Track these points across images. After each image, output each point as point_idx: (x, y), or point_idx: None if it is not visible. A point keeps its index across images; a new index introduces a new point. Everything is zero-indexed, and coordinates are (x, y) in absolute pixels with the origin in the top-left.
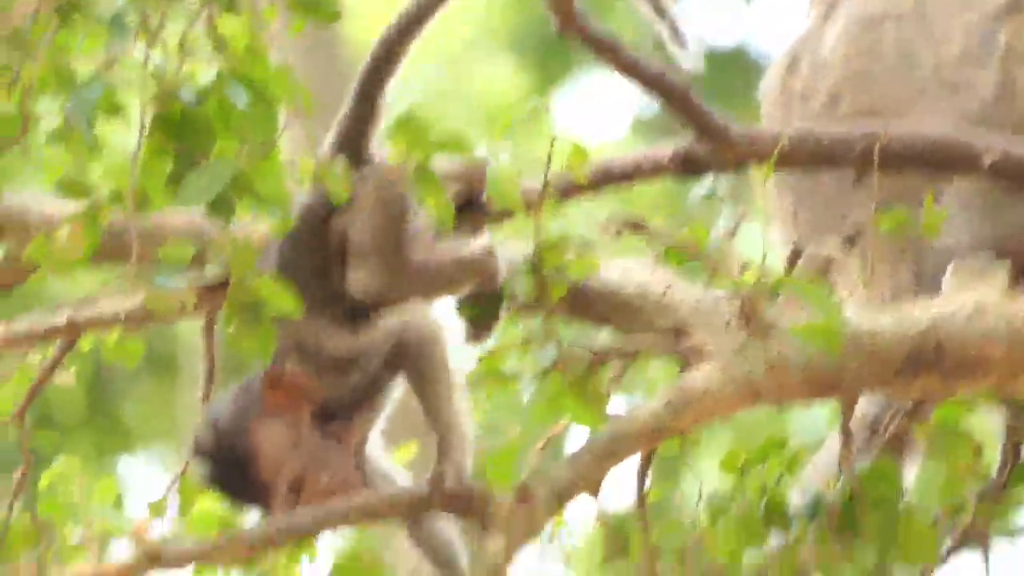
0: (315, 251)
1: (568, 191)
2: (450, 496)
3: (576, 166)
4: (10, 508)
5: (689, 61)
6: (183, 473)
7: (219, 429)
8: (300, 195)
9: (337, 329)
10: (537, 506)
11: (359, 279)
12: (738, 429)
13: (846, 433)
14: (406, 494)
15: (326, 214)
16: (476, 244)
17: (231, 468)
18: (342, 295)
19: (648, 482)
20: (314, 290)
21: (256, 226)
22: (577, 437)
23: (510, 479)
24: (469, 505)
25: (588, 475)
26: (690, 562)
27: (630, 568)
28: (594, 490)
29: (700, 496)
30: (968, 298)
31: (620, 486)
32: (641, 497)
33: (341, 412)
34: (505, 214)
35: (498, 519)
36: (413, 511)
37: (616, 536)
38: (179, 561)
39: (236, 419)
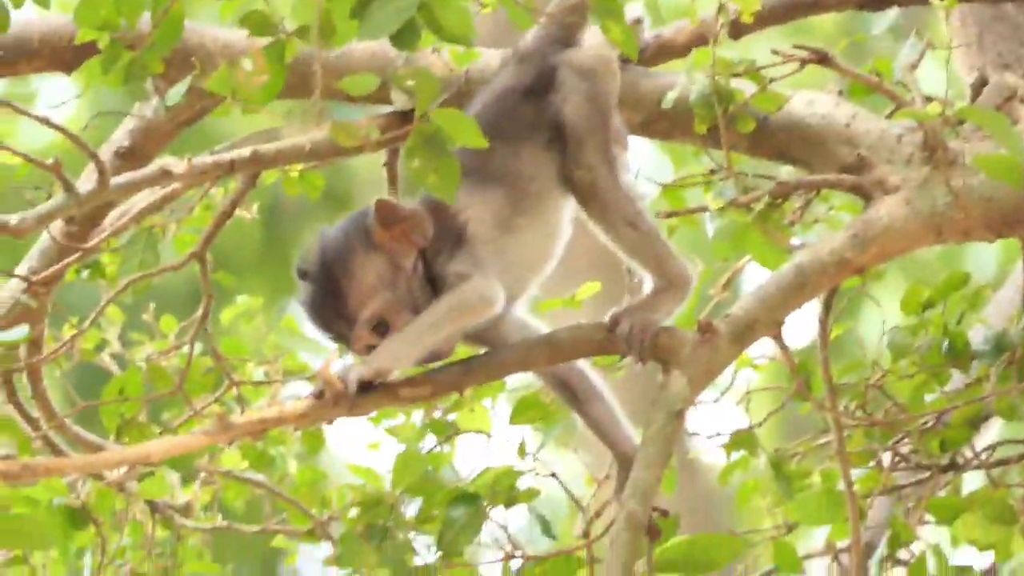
0: (511, 125)
1: (751, 25)
2: (632, 335)
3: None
4: (191, 346)
5: None
6: None
7: (324, 254)
8: (499, 77)
9: (490, 204)
10: (720, 344)
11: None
12: (918, 268)
13: None
14: (591, 332)
15: (523, 96)
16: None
17: (326, 294)
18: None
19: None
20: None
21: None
22: (755, 277)
23: (692, 317)
24: (654, 344)
25: (772, 312)
26: (871, 400)
27: (811, 407)
28: (776, 329)
29: (882, 334)
30: None
31: (799, 327)
32: (824, 334)
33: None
34: (688, 47)
35: (681, 358)
36: (599, 351)
37: (796, 376)
38: (366, 405)
39: (342, 247)
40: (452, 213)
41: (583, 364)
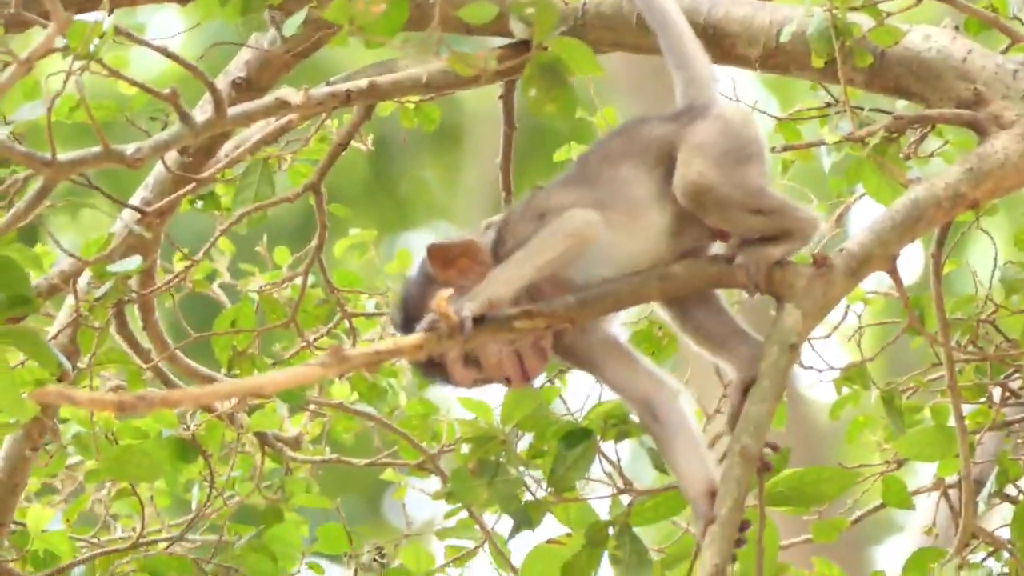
0: (623, 143)
1: None
2: (748, 268)
3: None
4: (304, 277)
5: None
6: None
7: (405, 303)
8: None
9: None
10: (834, 278)
11: (696, 169)
12: None
13: None
14: (705, 266)
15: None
16: (808, 209)
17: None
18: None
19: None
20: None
21: None
22: (868, 211)
23: (807, 255)
24: (768, 278)
25: (887, 246)
26: (983, 336)
27: (924, 341)
28: (890, 264)
29: (994, 269)
30: None
31: (909, 264)
32: (937, 269)
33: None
34: None
35: (795, 292)
36: (714, 283)
37: (910, 310)
38: (480, 337)
39: (415, 292)
40: (536, 208)
41: (678, 398)
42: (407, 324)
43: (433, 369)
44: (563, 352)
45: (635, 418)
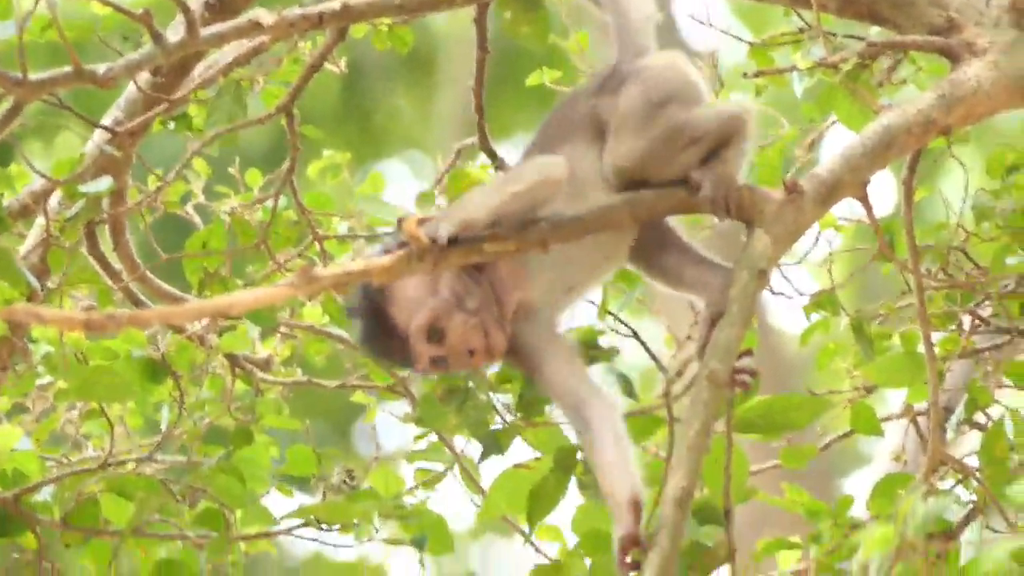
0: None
1: None
2: (715, 192)
3: None
4: (275, 199)
5: None
6: (449, 169)
7: (366, 287)
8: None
9: None
10: (804, 203)
11: (621, 151)
12: (1001, 134)
13: None
14: (672, 191)
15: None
16: (731, 105)
17: (376, 324)
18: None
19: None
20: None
21: None
22: (840, 139)
23: (778, 176)
24: (738, 203)
25: (857, 172)
26: (953, 263)
27: (894, 268)
28: (860, 191)
29: (964, 197)
30: None
31: (880, 192)
32: (908, 195)
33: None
34: None
35: (765, 217)
36: (682, 208)
37: (880, 236)
38: (451, 259)
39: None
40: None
41: (614, 410)
42: (369, 308)
43: (391, 349)
44: (511, 351)
45: (603, 343)
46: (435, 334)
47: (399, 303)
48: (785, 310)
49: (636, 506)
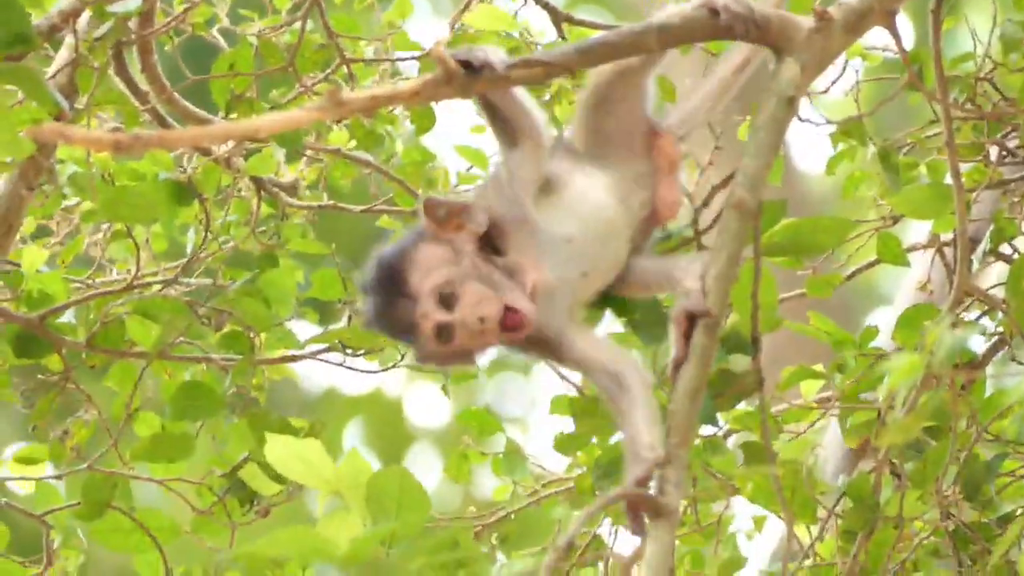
0: None
1: None
2: (743, 17)
3: None
4: (303, 21)
5: None
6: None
7: (381, 259)
8: None
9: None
10: (833, 31)
11: None
12: None
13: None
14: (707, 20)
15: None
16: None
17: (388, 291)
18: None
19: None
20: None
21: None
22: None
23: (809, 4)
24: (766, 30)
25: (886, 0)
26: (981, 94)
27: (921, 98)
28: (889, 20)
29: (993, 27)
30: None
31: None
32: (936, 25)
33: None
34: None
35: (794, 45)
36: (712, 34)
37: (909, 66)
38: (478, 85)
39: (399, 247)
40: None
41: (642, 371)
42: (386, 277)
43: (398, 316)
44: (531, 341)
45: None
46: (447, 298)
47: (417, 264)
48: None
49: (654, 450)
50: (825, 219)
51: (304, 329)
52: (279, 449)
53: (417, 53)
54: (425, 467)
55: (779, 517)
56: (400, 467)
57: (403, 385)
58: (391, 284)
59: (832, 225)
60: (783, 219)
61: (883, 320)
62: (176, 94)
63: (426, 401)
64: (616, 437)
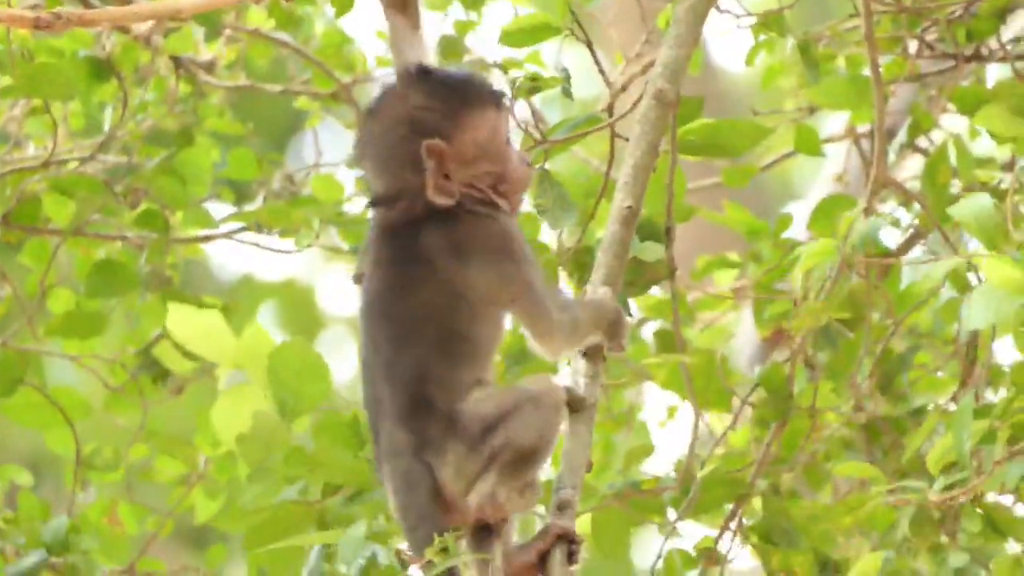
0: None
1: None
2: None
3: None
4: None
5: None
6: None
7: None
8: None
9: None
10: None
11: None
12: None
13: None
14: None
15: None
16: None
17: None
18: None
19: None
20: None
21: None
22: None
23: None
24: None
25: None
26: None
27: None
28: None
29: None
30: None
31: None
32: None
33: None
34: None
35: None
36: None
37: None
38: None
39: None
40: None
41: None
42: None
43: None
44: None
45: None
46: None
47: None
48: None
49: None
50: (742, 122)
51: (221, 211)
52: (181, 320)
53: None
54: (337, 354)
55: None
56: (301, 340)
57: (316, 272)
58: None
59: (748, 129)
60: (700, 116)
61: (799, 213)
62: None
63: (338, 288)
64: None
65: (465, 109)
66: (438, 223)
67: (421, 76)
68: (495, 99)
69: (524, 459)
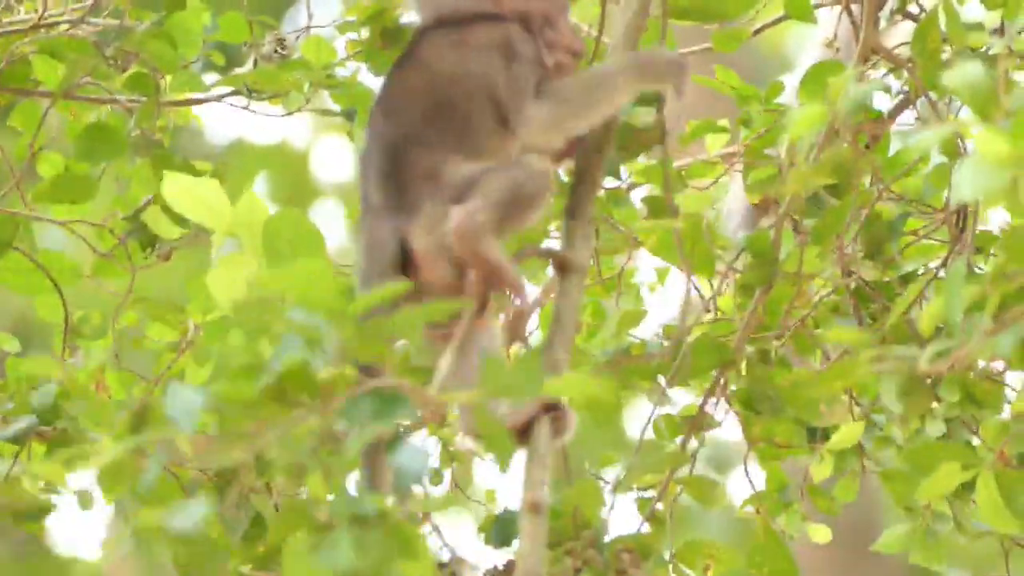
0: None
1: None
2: None
3: None
4: None
5: None
6: None
7: None
8: None
9: None
10: None
11: None
12: None
13: None
14: None
15: None
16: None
17: None
18: None
19: None
20: None
21: None
22: None
23: None
24: None
25: None
26: None
27: None
28: None
29: None
30: None
31: None
32: None
33: None
34: None
35: None
36: None
37: None
38: None
39: None
40: None
41: None
42: None
43: None
44: None
45: None
46: None
47: None
48: None
49: None
50: None
51: (212, 76)
52: (177, 187)
53: None
54: (330, 221)
55: (681, 270)
56: (295, 210)
57: (310, 138)
58: None
59: None
60: None
61: (790, 82)
62: None
63: (332, 154)
64: None
65: None
66: (450, 27)
67: None
68: None
69: (507, 204)
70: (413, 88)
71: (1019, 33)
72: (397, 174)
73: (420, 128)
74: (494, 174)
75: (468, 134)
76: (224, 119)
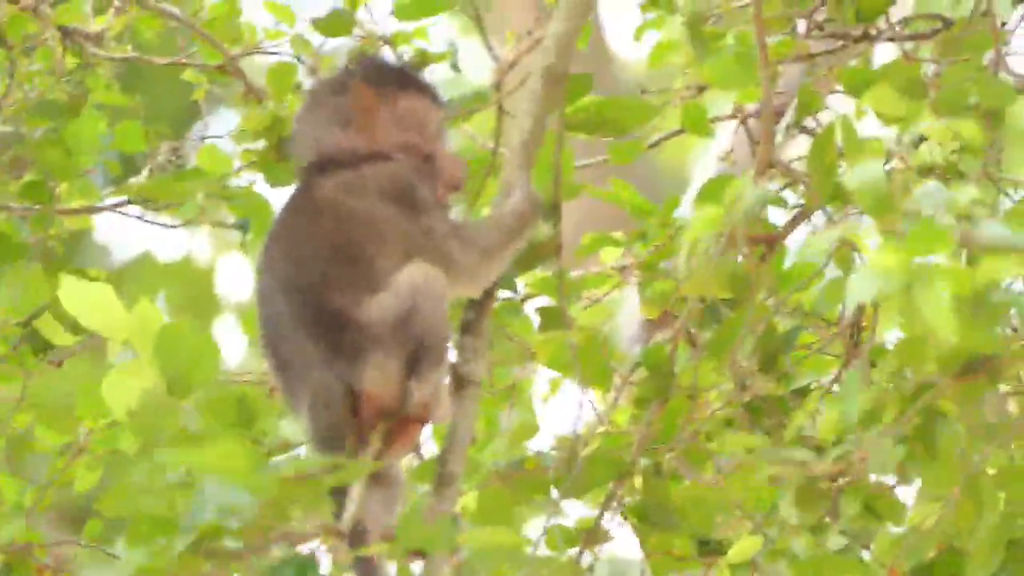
0: None
1: None
2: None
3: None
4: None
5: None
6: None
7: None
8: None
9: None
10: None
11: None
12: None
13: None
14: None
15: None
16: None
17: None
18: None
19: None
20: None
21: None
22: None
23: None
24: None
25: None
26: None
27: None
28: None
29: None
30: None
31: None
32: None
33: None
34: None
35: None
36: None
37: None
38: None
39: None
40: None
41: None
42: None
43: None
44: None
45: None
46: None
47: None
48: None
49: None
50: (630, 100)
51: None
52: (72, 292)
53: None
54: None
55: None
56: (190, 320)
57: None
58: None
59: (636, 106)
60: (589, 93)
61: (687, 197)
62: None
63: (235, 270)
64: None
65: (403, 83)
66: (345, 167)
67: (366, 60)
68: (434, 92)
69: (438, 348)
70: (317, 234)
71: (915, 147)
72: (321, 321)
73: (330, 272)
74: (416, 319)
75: (375, 273)
76: (127, 232)
